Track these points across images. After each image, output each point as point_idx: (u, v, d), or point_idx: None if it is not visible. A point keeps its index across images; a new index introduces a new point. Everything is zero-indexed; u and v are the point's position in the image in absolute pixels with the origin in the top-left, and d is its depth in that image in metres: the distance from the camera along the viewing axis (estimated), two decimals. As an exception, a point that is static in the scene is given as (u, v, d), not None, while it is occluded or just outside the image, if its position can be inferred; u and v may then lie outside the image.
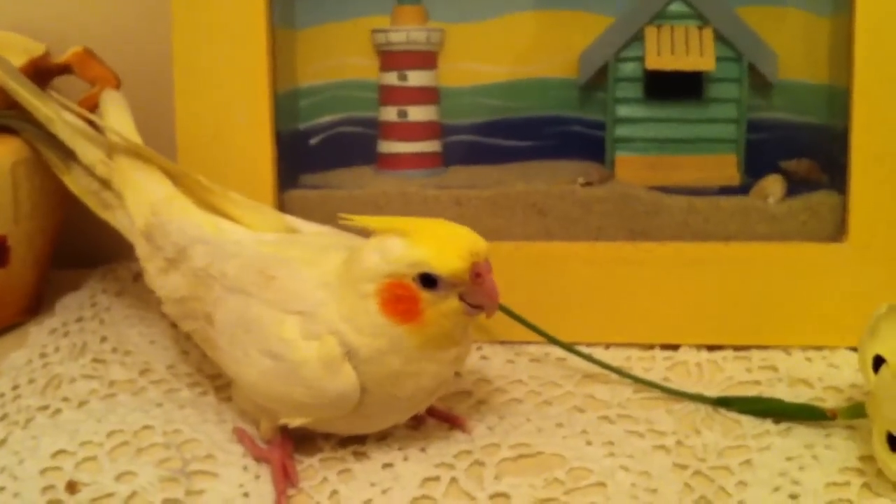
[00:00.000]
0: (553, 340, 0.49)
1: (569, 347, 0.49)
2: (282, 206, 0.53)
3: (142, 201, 0.47)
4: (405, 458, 0.43)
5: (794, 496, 0.40)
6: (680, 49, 0.52)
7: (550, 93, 0.55)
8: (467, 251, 0.38)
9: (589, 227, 0.53)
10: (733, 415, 0.46)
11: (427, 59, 0.55)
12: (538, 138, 0.55)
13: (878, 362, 0.42)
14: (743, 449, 0.43)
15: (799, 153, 0.54)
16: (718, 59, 0.53)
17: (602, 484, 0.41)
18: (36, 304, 0.58)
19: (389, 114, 0.56)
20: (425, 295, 0.38)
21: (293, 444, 0.44)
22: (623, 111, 0.54)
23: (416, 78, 0.55)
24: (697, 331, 0.51)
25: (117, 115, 0.50)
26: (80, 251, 0.62)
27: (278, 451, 0.43)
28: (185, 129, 0.53)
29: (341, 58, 0.56)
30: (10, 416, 0.47)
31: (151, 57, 0.60)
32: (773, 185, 0.53)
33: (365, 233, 0.42)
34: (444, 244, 0.38)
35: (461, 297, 0.39)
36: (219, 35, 0.52)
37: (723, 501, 0.40)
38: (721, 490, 0.41)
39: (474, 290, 0.39)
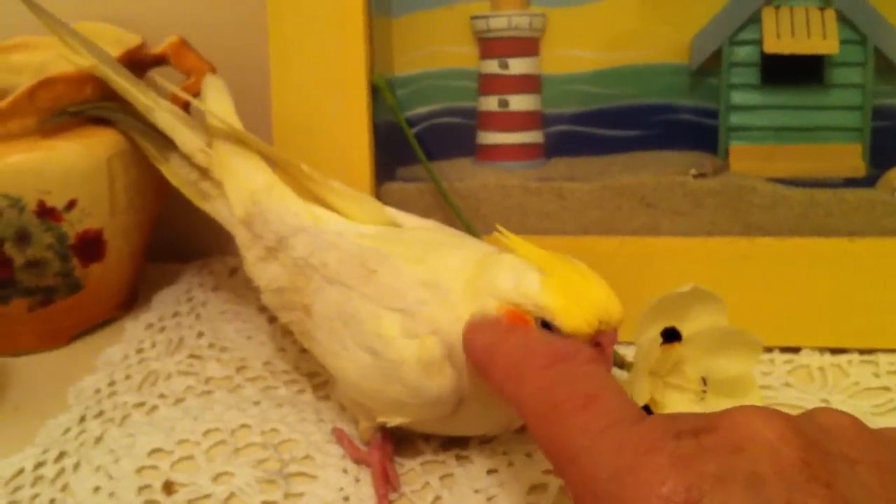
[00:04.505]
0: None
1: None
2: (379, 199, 0.51)
3: (242, 189, 0.46)
4: (510, 464, 0.42)
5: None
6: (800, 31, 0.49)
7: (659, 79, 0.52)
8: (596, 317, 0.35)
9: (701, 221, 0.50)
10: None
11: (529, 46, 0.53)
12: (645, 127, 0.53)
13: (669, 336, 0.41)
14: None
15: (929, 142, 0.50)
16: (841, 42, 0.49)
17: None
18: (132, 299, 0.58)
19: (489, 103, 0.54)
20: None
21: (393, 446, 0.42)
22: (738, 98, 0.51)
23: (518, 65, 0.53)
24: (820, 333, 0.49)
25: (218, 101, 0.49)
26: (175, 245, 0.61)
27: (378, 453, 0.41)
28: (281, 121, 0.51)
29: (439, 46, 0.54)
30: (106, 413, 0.46)
31: (246, 48, 0.59)
32: (901, 177, 0.49)
33: (466, 228, 0.39)
34: (577, 300, 0.35)
35: None
36: (315, 25, 0.50)
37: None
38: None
39: None
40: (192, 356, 0.51)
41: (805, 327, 0.49)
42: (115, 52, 0.52)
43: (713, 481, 0.24)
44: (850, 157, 0.50)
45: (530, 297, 0.36)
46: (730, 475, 0.24)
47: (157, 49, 0.55)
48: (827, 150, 0.51)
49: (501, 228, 0.39)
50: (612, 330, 0.36)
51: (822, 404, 0.44)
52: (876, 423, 0.42)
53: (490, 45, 0.53)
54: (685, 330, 0.41)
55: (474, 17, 0.53)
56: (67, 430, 0.45)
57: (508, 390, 0.32)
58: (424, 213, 0.47)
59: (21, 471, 0.42)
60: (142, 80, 0.51)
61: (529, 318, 0.36)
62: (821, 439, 0.25)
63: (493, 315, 0.36)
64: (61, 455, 0.43)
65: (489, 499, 0.40)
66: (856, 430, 0.26)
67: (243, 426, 0.45)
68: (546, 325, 0.35)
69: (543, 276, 0.36)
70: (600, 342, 0.36)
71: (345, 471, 0.42)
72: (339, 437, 0.43)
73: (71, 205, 0.50)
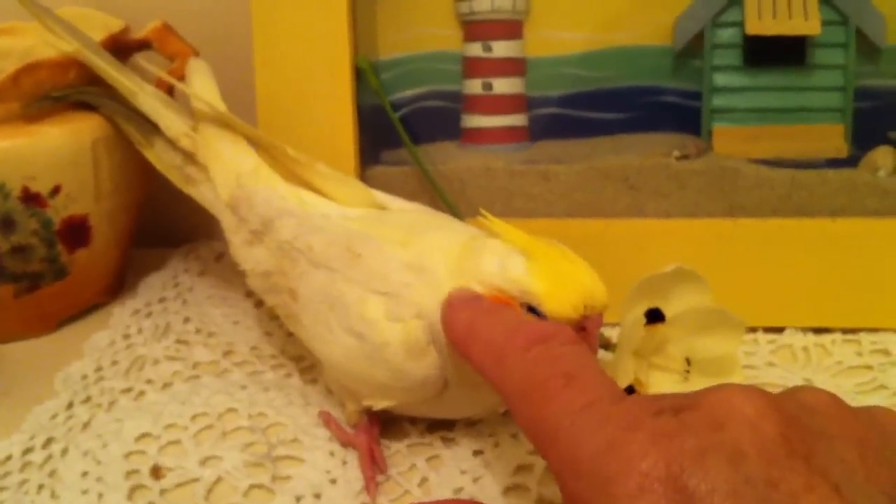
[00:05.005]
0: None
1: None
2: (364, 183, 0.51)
3: (227, 172, 0.46)
4: (496, 445, 0.42)
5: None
6: (782, 12, 0.50)
7: (642, 61, 0.52)
8: (582, 301, 0.35)
9: (685, 202, 0.50)
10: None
11: (512, 29, 0.53)
12: (629, 110, 0.53)
13: (653, 317, 0.41)
14: None
15: (911, 123, 0.50)
16: (823, 23, 0.50)
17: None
18: (118, 285, 0.58)
19: (474, 86, 0.54)
20: None
21: (380, 428, 0.42)
22: (721, 80, 0.51)
23: (502, 48, 0.53)
24: (803, 313, 0.49)
25: (203, 84, 0.49)
26: (161, 230, 0.61)
27: (365, 436, 0.41)
28: (265, 104, 0.51)
29: (423, 29, 0.54)
30: (93, 399, 0.46)
31: (230, 31, 0.58)
32: (883, 157, 0.50)
33: (451, 211, 0.40)
34: (562, 285, 0.35)
35: None
36: (299, 7, 0.50)
37: None
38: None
39: None
40: (178, 341, 0.51)
41: (788, 307, 0.49)
42: (99, 36, 0.52)
43: (693, 457, 0.24)
44: (832, 138, 0.51)
45: (515, 282, 0.36)
46: (710, 451, 0.24)
47: (140, 33, 0.55)
48: (809, 131, 0.51)
49: (485, 212, 0.39)
50: (597, 314, 0.36)
51: (806, 384, 0.45)
52: (859, 402, 0.43)
53: (474, 28, 0.53)
54: (669, 310, 0.42)
55: (458, 0, 0.53)
56: (55, 416, 0.45)
57: (488, 370, 0.32)
58: (409, 196, 0.47)
59: (9, 457, 0.42)
60: (125, 65, 0.51)
61: (515, 304, 0.36)
62: (801, 416, 0.25)
63: (472, 291, 0.36)
64: (49, 441, 0.43)
65: (475, 480, 0.40)
66: (836, 406, 0.26)
67: (230, 410, 0.45)
68: (532, 311, 0.35)
69: (528, 260, 0.36)
70: (586, 326, 0.36)
71: (332, 454, 0.42)
72: (326, 420, 0.44)
73: (56, 190, 0.50)
